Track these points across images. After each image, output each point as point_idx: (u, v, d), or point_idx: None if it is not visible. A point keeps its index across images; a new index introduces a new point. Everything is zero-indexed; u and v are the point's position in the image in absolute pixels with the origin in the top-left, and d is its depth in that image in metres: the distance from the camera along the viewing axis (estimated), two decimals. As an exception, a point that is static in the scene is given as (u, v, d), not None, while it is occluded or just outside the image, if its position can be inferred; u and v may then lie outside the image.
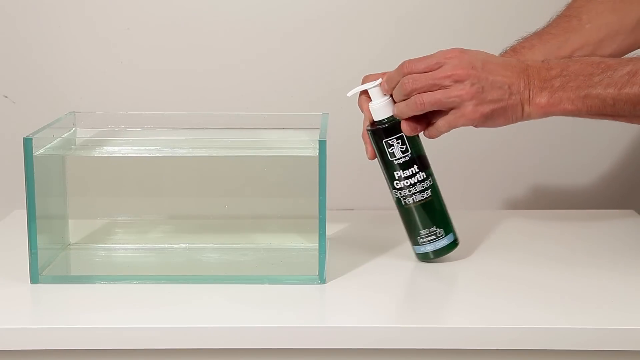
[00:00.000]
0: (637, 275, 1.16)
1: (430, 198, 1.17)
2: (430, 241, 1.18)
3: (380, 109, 1.15)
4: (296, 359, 1.02)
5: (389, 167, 1.16)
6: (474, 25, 1.55)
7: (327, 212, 1.12)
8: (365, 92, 1.17)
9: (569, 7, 1.25)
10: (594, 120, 1.14)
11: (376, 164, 1.17)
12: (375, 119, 1.16)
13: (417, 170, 1.16)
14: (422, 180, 1.16)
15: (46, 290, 1.12)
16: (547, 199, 1.62)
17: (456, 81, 1.10)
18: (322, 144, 1.11)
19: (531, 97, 1.10)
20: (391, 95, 1.15)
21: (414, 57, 1.13)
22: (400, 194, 1.17)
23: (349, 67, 1.53)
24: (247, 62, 1.55)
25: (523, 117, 1.12)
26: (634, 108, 1.09)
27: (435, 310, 1.07)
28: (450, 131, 1.19)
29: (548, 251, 1.25)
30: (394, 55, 1.46)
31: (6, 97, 1.56)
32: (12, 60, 1.55)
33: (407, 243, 1.20)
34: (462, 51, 1.12)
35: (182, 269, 1.20)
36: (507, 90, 1.10)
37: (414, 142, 1.16)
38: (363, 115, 1.17)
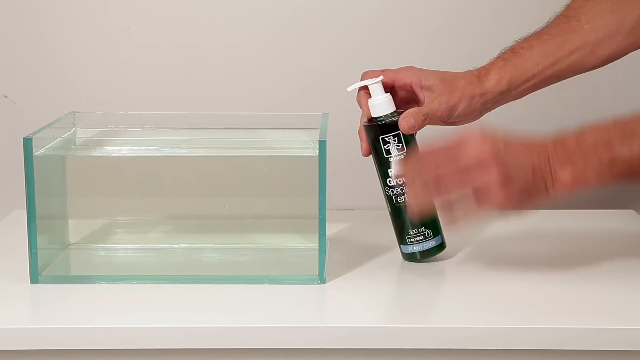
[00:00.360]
0: (637, 275, 1.16)
1: None
2: (419, 241, 1.18)
3: (380, 105, 1.15)
4: (296, 359, 1.02)
5: (383, 165, 1.16)
6: (474, 25, 1.55)
7: (327, 212, 1.12)
8: (364, 88, 1.17)
9: (567, 8, 1.25)
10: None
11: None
12: (373, 115, 1.16)
13: None
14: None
15: (46, 290, 1.11)
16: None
17: (481, 166, 1.03)
18: (322, 144, 1.11)
19: (554, 175, 1.05)
20: (390, 93, 1.15)
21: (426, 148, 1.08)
22: (393, 192, 1.17)
23: (349, 67, 1.53)
24: (247, 62, 1.55)
25: (548, 196, 1.06)
26: None
27: (435, 310, 1.07)
28: (447, 127, 1.19)
29: (547, 251, 1.25)
30: (393, 54, 1.46)
31: (6, 97, 1.56)
32: (12, 60, 1.55)
33: (407, 243, 1.20)
34: (482, 132, 1.05)
35: (182, 269, 1.20)
36: (530, 172, 1.05)
37: (410, 140, 1.16)
38: (361, 111, 1.18)
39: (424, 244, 1.18)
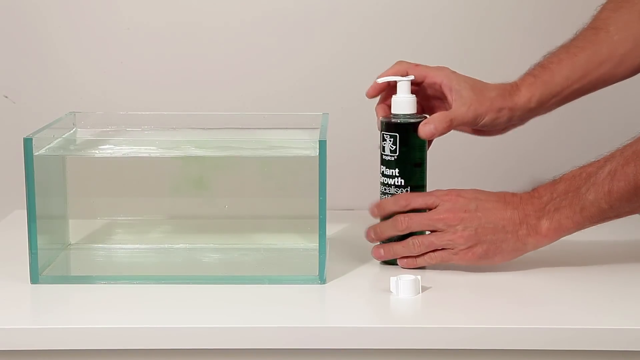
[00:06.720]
0: (637, 275, 1.16)
1: None
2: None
3: (401, 103, 1.17)
4: (296, 359, 1.02)
5: (381, 158, 1.19)
6: (475, 26, 1.54)
7: (327, 212, 1.12)
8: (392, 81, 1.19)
9: (595, 19, 1.23)
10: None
11: (376, 164, 1.18)
12: (393, 111, 1.18)
13: (397, 174, 1.17)
14: (399, 186, 1.18)
15: (46, 290, 1.12)
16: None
17: (449, 225, 1.13)
18: (322, 144, 1.11)
19: (529, 230, 1.13)
20: (418, 88, 1.19)
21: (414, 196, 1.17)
22: (381, 188, 1.19)
23: (349, 67, 1.53)
24: (247, 62, 1.55)
25: (527, 249, 1.15)
26: (629, 203, 1.09)
27: (435, 310, 1.07)
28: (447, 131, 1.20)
29: (547, 252, 1.25)
30: (394, 55, 1.45)
31: (6, 97, 1.56)
32: (12, 60, 1.55)
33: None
34: (458, 194, 1.15)
35: (182, 269, 1.20)
36: (501, 230, 1.13)
37: (410, 148, 1.16)
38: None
39: None
